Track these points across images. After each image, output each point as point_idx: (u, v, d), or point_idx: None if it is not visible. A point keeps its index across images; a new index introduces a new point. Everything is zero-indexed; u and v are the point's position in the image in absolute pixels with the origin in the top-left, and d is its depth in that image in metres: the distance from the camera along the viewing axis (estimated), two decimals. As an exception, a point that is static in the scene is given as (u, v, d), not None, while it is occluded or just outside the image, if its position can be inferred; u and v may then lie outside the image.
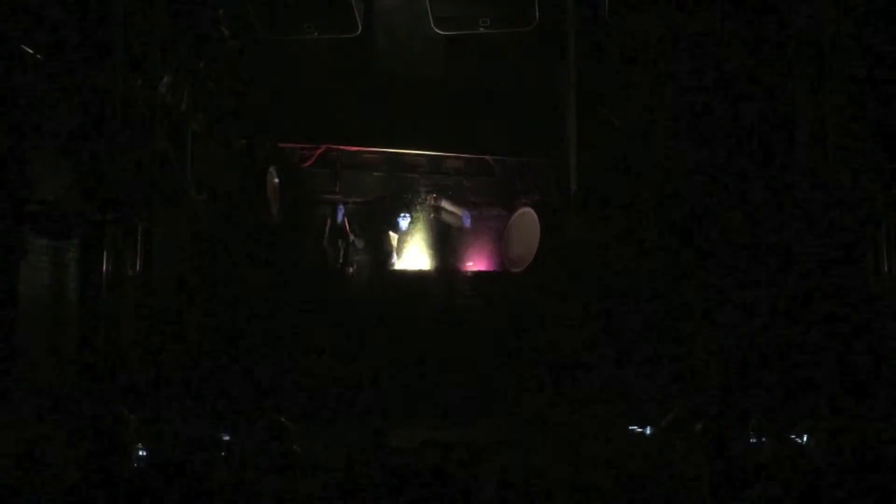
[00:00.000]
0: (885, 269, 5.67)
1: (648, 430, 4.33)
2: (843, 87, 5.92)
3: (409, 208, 10.00)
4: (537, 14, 7.67)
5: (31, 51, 5.96)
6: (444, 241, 10.11)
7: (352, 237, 9.68)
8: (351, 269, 9.52)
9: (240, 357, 8.01)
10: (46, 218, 6.29)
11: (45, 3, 6.12)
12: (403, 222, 9.92)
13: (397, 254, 9.90)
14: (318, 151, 9.97)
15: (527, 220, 9.63)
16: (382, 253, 9.87)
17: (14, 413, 5.81)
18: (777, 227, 6.89)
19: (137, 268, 7.44)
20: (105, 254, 6.89)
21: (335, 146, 9.95)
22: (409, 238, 9.90)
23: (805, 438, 4.23)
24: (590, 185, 8.72)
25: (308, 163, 10.01)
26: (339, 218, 9.81)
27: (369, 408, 7.52)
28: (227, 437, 4.86)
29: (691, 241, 7.90)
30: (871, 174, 6.02)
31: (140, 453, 4.71)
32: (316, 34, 7.85)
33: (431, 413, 7.69)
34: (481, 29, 7.91)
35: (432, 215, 10.14)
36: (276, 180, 9.62)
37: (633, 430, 4.39)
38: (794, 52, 6.37)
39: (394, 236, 9.91)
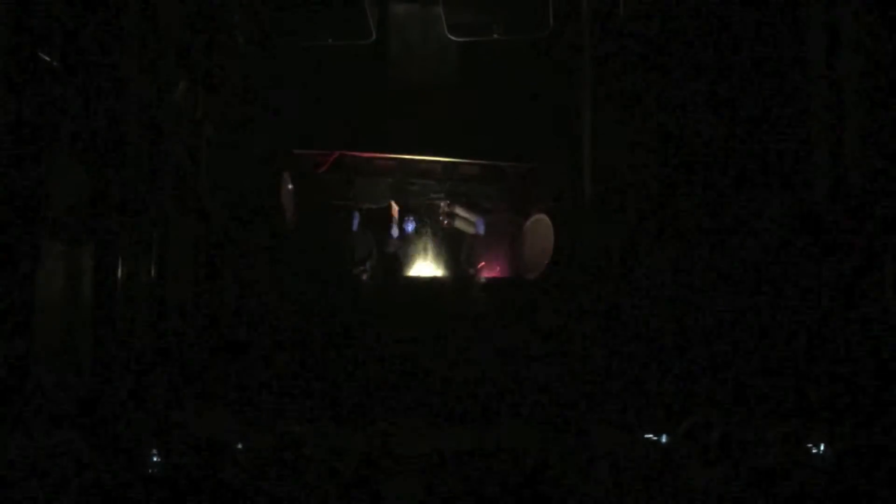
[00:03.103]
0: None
1: (664, 439, 4.30)
2: (860, 87, 5.87)
3: (423, 214, 10.00)
4: (551, 20, 7.67)
5: (47, 58, 5.99)
6: (459, 248, 10.10)
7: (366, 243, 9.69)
8: (365, 275, 9.52)
9: (254, 362, 8.02)
10: (62, 225, 6.31)
11: (60, 11, 6.16)
12: (417, 228, 9.91)
13: (411, 260, 9.89)
14: (332, 157, 9.98)
15: (541, 226, 9.60)
16: (396, 259, 9.86)
17: (30, 418, 5.83)
18: (796, 233, 6.83)
19: (152, 274, 7.46)
20: (120, 260, 6.91)
21: (349, 152, 9.96)
22: (423, 244, 9.89)
23: (822, 447, 4.18)
24: (605, 191, 8.68)
25: (322, 169, 10.02)
26: (354, 225, 9.81)
27: (381, 413, 7.49)
28: (240, 443, 4.86)
29: (708, 246, 7.84)
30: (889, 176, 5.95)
31: (154, 458, 4.72)
32: (330, 41, 7.90)
33: (444, 419, 7.67)
34: (495, 35, 7.93)
35: (446, 221, 10.14)
36: (290, 186, 9.64)
37: (648, 437, 4.36)
38: (812, 52, 6.33)
39: (408, 242, 9.90)
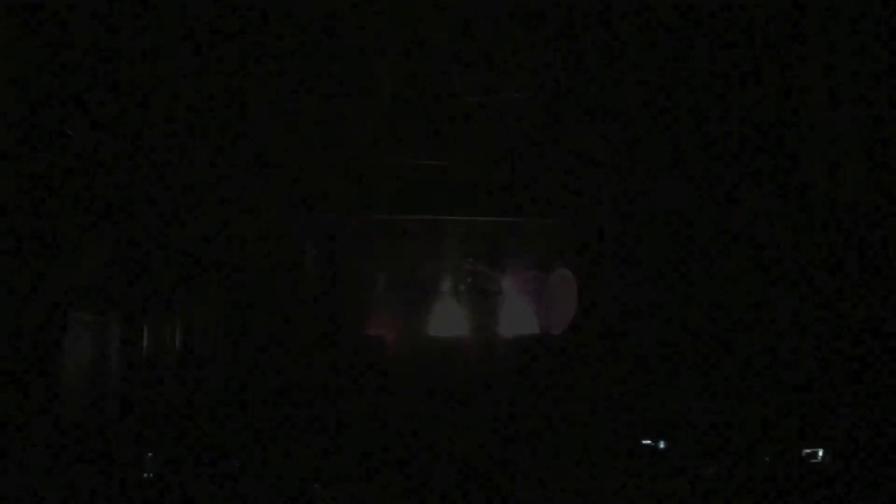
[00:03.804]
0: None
1: (662, 444, 4.20)
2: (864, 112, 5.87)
3: (444, 274, 10.02)
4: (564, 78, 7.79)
5: (70, 132, 6.19)
6: (481, 306, 10.08)
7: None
8: (389, 336, 9.53)
9: (281, 427, 8.01)
10: (88, 293, 6.43)
11: (79, 81, 6.38)
12: (439, 288, 9.92)
13: (434, 319, 9.88)
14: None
15: (564, 281, 9.59)
16: (419, 318, 9.86)
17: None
18: (810, 255, 6.77)
19: (178, 342, 7.55)
20: (146, 327, 7.01)
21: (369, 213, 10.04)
22: (445, 304, 9.90)
23: (820, 455, 4.08)
24: (627, 243, 8.68)
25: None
26: (376, 285, 9.86)
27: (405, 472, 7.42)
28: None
29: (734, 295, 7.79)
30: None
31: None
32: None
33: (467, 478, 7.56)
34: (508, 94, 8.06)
35: (468, 280, 10.14)
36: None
37: (646, 443, 4.27)
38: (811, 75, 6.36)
39: (430, 302, 9.91)
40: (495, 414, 8.32)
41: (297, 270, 9.43)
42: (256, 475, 6.85)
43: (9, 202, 5.71)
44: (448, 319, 9.89)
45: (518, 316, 10.03)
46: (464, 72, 7.71)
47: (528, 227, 10.47)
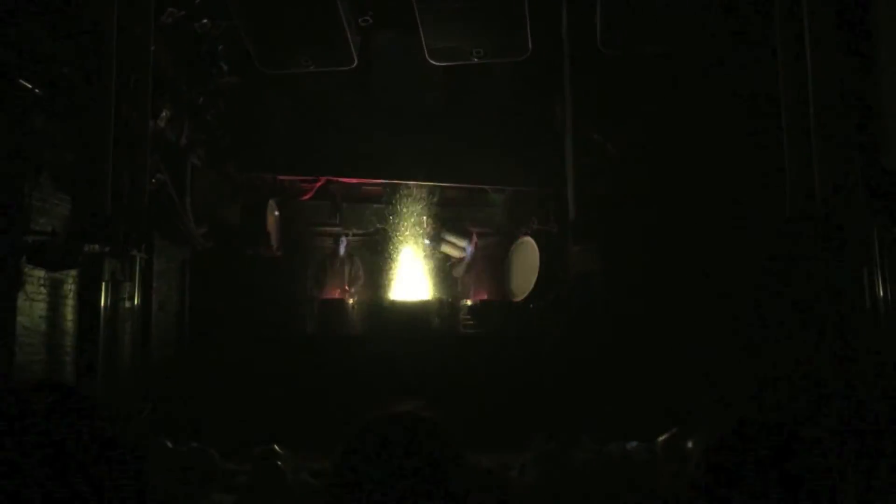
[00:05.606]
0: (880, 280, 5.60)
1: (634, 444, 4.29)
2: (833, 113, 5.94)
3: (409, 239, 10.04)
4: (530, 44, 7.75)
5: (28, 85, 6.05)
6: (445, 272, 10.13)
7: (353, 267, 9.73)
8: (352, 301, 9.53)
9: (238, 387, 7.99)
10: (44, 249, 6.33)
11: (43, 40, 6.24)
12: (404, 253, 9.95)
13: (398, 284, 9.91)
14: (318, 184, 10.04)
15: (527, 249, 9.65)
16: (383, 284, 9.89)
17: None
18: (776, 249, 6.87)
19: (135, 300, 7.47)
20: (103, 286, 6.92)
21: (335, 178, 10.02)
22: (410, 269, 9.93)
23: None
24: (588, 213, 8.73)
25: (308, 195, 10.07)
26: (341, 250, 9.86)
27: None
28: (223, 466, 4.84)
29: (689, 266, 7.88)
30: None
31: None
32: (312, 67, 7.97)
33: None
34: (475, 60, 8.00)
35: (433, 246, 10.17)
36: (276, 213, 9.69)
37: (624, 444, 4.34)
38: (784, 77, 6.42)
39: (394, 267, 9.94)
40: (459, 378, 8.37)
41: (261, 234, 9.38)
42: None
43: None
44: (412, 284, 9.93)
45: (480, 282, 10.11)
46: (431, 38, 7.63)
47: (493, 194, 10.53)
